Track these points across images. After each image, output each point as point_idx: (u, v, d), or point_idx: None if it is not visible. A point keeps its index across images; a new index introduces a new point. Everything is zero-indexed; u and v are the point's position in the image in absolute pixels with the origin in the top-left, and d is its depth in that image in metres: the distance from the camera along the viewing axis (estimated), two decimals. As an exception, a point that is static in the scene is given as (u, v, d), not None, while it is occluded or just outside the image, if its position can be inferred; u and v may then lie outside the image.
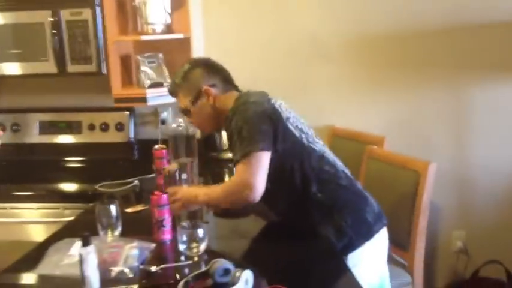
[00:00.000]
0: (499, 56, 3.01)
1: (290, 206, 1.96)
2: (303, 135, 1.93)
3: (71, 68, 2.82)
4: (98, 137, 3.16)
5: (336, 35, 3.12)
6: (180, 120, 2.39)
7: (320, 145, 1.98)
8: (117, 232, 1.91)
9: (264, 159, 1.81)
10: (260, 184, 1.79)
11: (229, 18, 3.18)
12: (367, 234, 1.93)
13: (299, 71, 3.17)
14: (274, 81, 3.16)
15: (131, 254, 1.72)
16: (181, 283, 1.51)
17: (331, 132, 3.11)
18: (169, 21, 2.94)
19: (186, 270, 1.67)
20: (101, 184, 2.63)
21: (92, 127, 3.16)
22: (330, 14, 3.10)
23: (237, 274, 1.51)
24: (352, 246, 1.90)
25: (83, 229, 1.61)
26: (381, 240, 1.97)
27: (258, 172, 1.79)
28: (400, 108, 3.13)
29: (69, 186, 2.87)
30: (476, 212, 3.15)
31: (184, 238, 1.77)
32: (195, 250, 1.76)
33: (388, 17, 3.05)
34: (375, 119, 3.13)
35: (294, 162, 1.89)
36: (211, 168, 3.00)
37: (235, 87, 2.08)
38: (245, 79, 3.16)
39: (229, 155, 3.02)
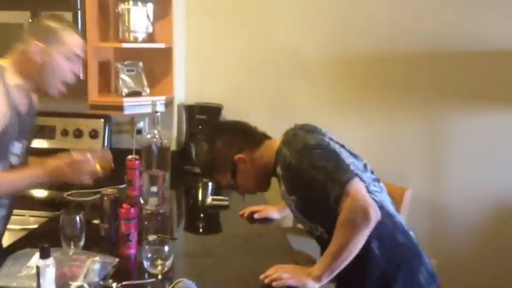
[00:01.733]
0: (477, 84, 3.03)
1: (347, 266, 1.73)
2: (359, 173, 1.79)
3: (48, 71, 2.75)
4: (71, 143, 3.08)
5: (317, 52, 3.12)
6: (155, 131, 2.33)
7: (379, 193, 1.83)
8: (80, 244, 1.85)
9: (362, 185, 1.70)
10: (373, 204, 1.66)
11: (212, 30, 3.16)
12: None
13: (278, 85, 3.16)
14: (254, 94, 3.14)
15: (93, 268, 1.65)
16: (141, 302, 1.46)
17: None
18: (151, 30, 2.90)
19: (148, 289, 1.62)
20: (70, 192, 2.57)
21: (65, 133, 3.08)
22: (313, 31, 3.10)
23: (200, 296, 1.46)
24: None
25: (45, 239, 1.55)
26: None
27: (365, 195, 1.68)
28: (376, 131, 3.12)
29: (37, 193, 2.78)
30: (449, 240, 3.14)
31: (149, 254, 1.72)
32: (159, 267, 1.71)
33: (369, 38, 3.06)
34: (351, 141, 3.09)
35: None
36: (184, 182, 2.95)
37: (263, 136, 1.99)
38: (225, 91, 3.18)
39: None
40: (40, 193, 2.76)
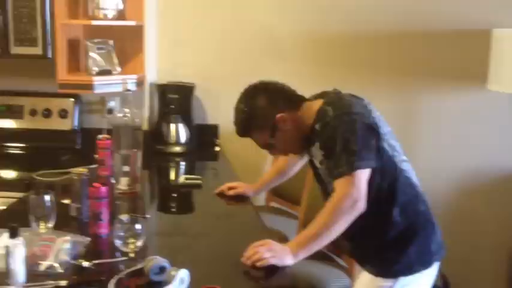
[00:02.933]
0: (445, 63, 3.08)
1: (365, 227, 1.77)
2: (396, 154, 1.84)
3: (15, 49, 2.70)
4: (40, 124, 3.03)
5: (289, 32, 3.12)
6: (127, 110, 2.30)
7: (406, 164, 1.88)
8: (50, 224, 1.83)
9: (368, 176, 1.73)
10: (364, 198, 1.70)
11: (184, 8, 3.12)
12: (426, 263, 1.88)
13: (251, 65, 3.14)
14: (226, 73, 3.13)
15: (63, 248, 1.63)
16: (114, 280, 1.45)
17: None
18: (121, 7, 2.85)
19: (121, 267, 1.60)
20: (40, 173, 2.53)
21: (33, 112, 3.02)
22: (285, 11, 3.10)
23: (173, 273, 1.46)
24: (409, 270, 1.84)
25: (14, 219, 1.53)
26: (433, 271, 1.92)
27: (363, 188, 1.70)
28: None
29: (6, 174, 2.73)
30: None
31: (121, 233, 1.70)
32: (131, 246, 1.69)
33: (340, 18, 3.07)
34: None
35: (383, 182, 1.79)
36: (157, 162, 2.94)
37: (303, 98, 1.95)
38: (198, 70, 3.15)
39: (177, 148, 3.00)
40: (8, 174, 2.73)
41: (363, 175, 1.72)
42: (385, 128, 1.86)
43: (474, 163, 3.16)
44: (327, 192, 1.89)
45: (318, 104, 1.88)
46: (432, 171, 3.15)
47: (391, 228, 1.83)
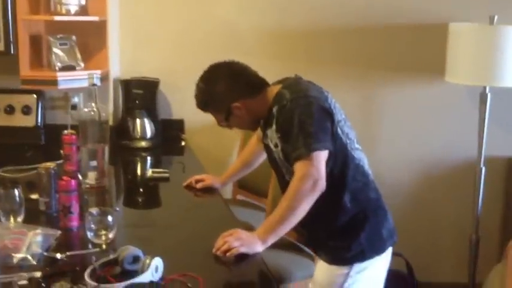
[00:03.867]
0: (404, 56, 3.17)
1: (316, 213, 1.80)
2: (348, 141, 1.88)
3: (-25, 45, 2.67)
4: (3, 120, 2.99)
5: (252, 27, 3.15)
6: (93, 104, 2.30)
7: (359, 152, 1.93)
8: (19, 218, 1.83)
9: (325, 157, 1.77)
10: (324, 178, 1.74)
11: (147, 3, 3.12)
12: (378, 249, 1.92)
13: (215, 60, 3.11)
14: (190, 69, 3.13)
15: (35, 240, 1.64)
16: (88, 270, 1.47)
17: (246, 125, 3.14)
18: (84, 2, 2.84)
19: (94, 258, 1.61)
20: (4, 169, 2.50)
21: (-5, 109, 2.99)
22: (248, 6, 3.13)
23: (147, 261, 1.48)
24: (362, 257, 1.89)
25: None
26: (387, 257, 1.97)
27: (322, 168, 1.75)
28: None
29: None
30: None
31: (92, 225, 1.72)
32: (103, 238, 1.72)
33: (302, 13, 3.12)
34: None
35: (334, 168, 1.83)
36: (123, 156, 2.94)
37: (265, 84, 1.98)
38: (161, 66, 3.16)
39: (142, 143, 3.00)
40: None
41: (321, 156, 1.77)
42: (340, 115, 1.90)
43: (434, 153, 3.26)
44: (282, 175, 1.94)
45: (277, 88, 1.94)
46: (394, 161, 3.26)
47: (342, 214, 1.88)
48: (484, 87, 2.92)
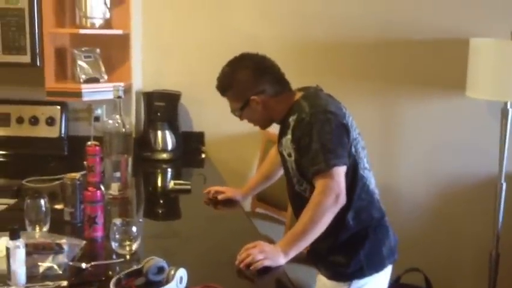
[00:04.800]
0: (425, 71, 3.17)
1: None
2: (359, 160, 1.90)
3: (3, 57, 2.72)
4: (27, 131, 3.04)
5: (273, 40, 3.17)
6: (117, 116, 2.34)
7: (368, 172, 1.95)
8: (45, 228, 1.86)
9: (344, 172, 1.80)
10: (344, 192, 1.77)
11: (169, 16, 3.17)
12: (378, 267, 1.93)
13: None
14: (212, 82, 3.16)
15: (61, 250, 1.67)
16: (114, 280, 1.49)
17: (265, 138, 3.15)
18: (108, 16, 2.89)
19: (118, 268, 1.64)
20: (28, 179, 2.54)
21: (20, 120, 3.03)
22: (269, 20, 3.16)
23: (171, 272, 1.50)
24: (361, 274, 1.90)
25: (8, 224, 1.55)
26: (386, 274, 1.98)
27: (342, 182, 1.78)
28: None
29: (-5, 180, 2.76)
30: (399, 221, 3.22)
31: (117, 236, 1.74)
32: (127, 248, 1.74)
33: (324, 27, 3.14)
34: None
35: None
36: (144, 168, 2.97)
37: (287, 86, 2.00)
38: (183, 79, 3.19)
39: (164, 155, 3.03)
40: (-2, 180, 2.74)
41: (340, 171, 1.79)
42: (355, 133, 1.92)
43: (454, 168, 3.24)
44: (292, 184, 1.96)
45: (296, 96, 1.96)
46: (414, 175, 3.24)
47: (344, 231, 1.90)
48: (505, 103, 2.91)
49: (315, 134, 1.80)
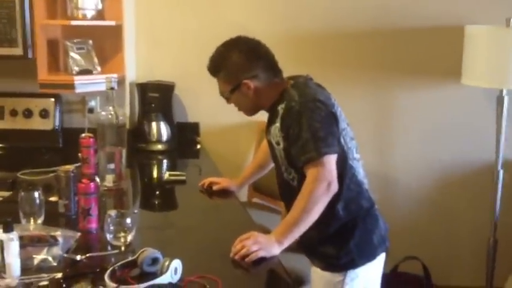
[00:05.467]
0: (419, 60, 3.16)
1: None
2: (348, 151, 1.90)
3: (-6, 50, 2.70)
4: (21, 124, 3.02)
5: (265, 31, 3.09)
6: (110, 108, 2.32)
7: (356, 162, 1.94)
8: (40, 220, 1.85)
9: (335, 160, 1.79)
10: (336, 180, 1.77)
11: (162, 7, 3.15)
12: (369, 256, 1.93)
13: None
14: (205, 72, 3.15)
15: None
16: (108, 272, 1.48)
17: (260, 129, 3.13)
18: (100, 7, 2.86)
19: (113, 260, 1.63)
20: (23, 172, 2.52)
21: (14, 113, 3.01)
22: (261, 10, 3.15)
23: (166, 263, 1.49)
24: (353, 264, 1.90)
25: (2, 217, 1.54)
26: (380, 262, 1.98)
27: (334, 170, 1.77)
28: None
29: (-11, 173, 2.74)
30: (397, 209, 3.27)
31: (112, 227, 1.73)
32: (122, 240, 1.73)
33: (316, 17, 3.13)
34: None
35: None
36: (139, 160, 2.95)
37: (279, 74, 1.98)
38: (176, 69, 3.18)
39: (158, 146, 3.02)
40: (-8, 173, 2.72)
41: (331, 159, 1.79)
42: (344, 124, 1.92)
43: (451, 156, 3.25)
44: (281, 172, 1.95)
45: (285, 85, 1.94)
46: (410, 164, 3.24)
47: (334, 222, 1.89)
48: (501, 90, 2.91)
49: (304, 123, 1.79)
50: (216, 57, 1.97)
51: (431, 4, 3.09)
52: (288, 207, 1.97)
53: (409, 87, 3.20)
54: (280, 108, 1.88)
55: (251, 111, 2.03)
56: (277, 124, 1.89)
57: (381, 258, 1.99)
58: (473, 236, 3.29)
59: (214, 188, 2.34)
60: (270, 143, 1.99)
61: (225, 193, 2.33)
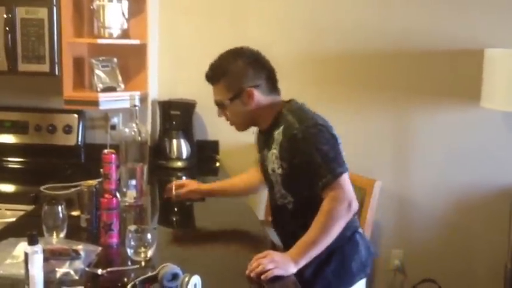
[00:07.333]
0: (440, 82, 3.16)
1: (293, 232, 1.88)
2: None
3: (22, 66, 2.77)
4: (45, 139, 3.09)
5: (288, 51, 3.19)
6: (133, 125, 2.37)
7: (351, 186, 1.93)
8: (62, 234, 1.89)
9: (349, 178, 1.81)
10: (355, 198, 1.78)
11: (185, 26, 3.21)
12: (347, 283, 1.93)
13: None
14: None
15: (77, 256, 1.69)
16: (129, 286, 1.51)
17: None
18: (126, 26, 2.93)
19: (133, 275, 1.66)
20: (46, 186, 2.58)
21: (38, 128, 3.08)
22: (284, 31, 3.18)
23: (186, 279, 1.52)
24: None
25: (26, 230, 1.58)
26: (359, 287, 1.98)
27: (351, 189, 1.79)
28: (346, 126, 3.19)
29: (12, 187, 2.80)
30: (414, 231, 3.26)
31: (132, 242, 1.77)
32: (142, 255, 1.76)
33: (338, 38, 3.16)
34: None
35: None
36: (159, 176, 2.99)
37: (278, 91, 1.97)
38: (198, 88, 3.19)
39: (178, 163, 3.06)
40: (14, 188, 2.78)
41: (346, 178, 1.80)
42: (340, 146, 1.92)
43: (469, 179, 3.22)
44: (274, 198, 1.96)
45: (279, 105, 1.93)
46: (428, 187, 3.23)
47: None
48: (521, 113, 2.91)
49: (312, 148, 1.79)
50: (219, 64, 1.94)
51: (452, 27, 3.11)
52: (281, 235, 2.00)
53: (429, 110, 3.20)
54: (277, 134, 1.86)
55: (244, 125, 1.99)
56: (274, 151, 1.87)
57: (360, 285, 1.98)
58: (490, 260, 3.26)
59: (182, 191, 2.31)
60: (264, 169, 1.97)
61: (241, 210, 2.36)
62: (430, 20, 3.11)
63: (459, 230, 3.28)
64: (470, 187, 3.24)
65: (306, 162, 1.80)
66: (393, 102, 3.20)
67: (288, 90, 3.16)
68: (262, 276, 1.67)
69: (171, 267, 1.56)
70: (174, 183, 2.37)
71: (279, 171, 1.88)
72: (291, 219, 1.94)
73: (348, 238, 1.94)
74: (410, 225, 3.26)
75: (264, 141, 1.94)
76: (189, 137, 3.11)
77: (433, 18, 3.11)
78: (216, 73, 1.94)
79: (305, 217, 1.85)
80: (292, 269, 1.73)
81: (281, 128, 1.86)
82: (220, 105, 1.96)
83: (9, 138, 3.11)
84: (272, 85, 1.95)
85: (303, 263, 1.76)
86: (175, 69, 3.25)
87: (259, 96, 1.90)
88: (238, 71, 1.90)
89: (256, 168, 2.24)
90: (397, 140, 3.23)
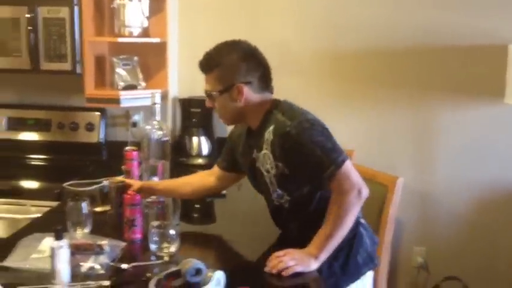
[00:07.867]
0: (462, 78, 3.11)
1: (298, 230, 1.89)
2: None
3: (45, 65, 2.82)
4: (67, 136, 3.13)
5: (307, 48, 3.18)
6: (155, 122, 2.38)
7: None
8: (86, 230, 1.91)
9: (351, 164, 1.79)
10: (363, 183, 1.77)
11: (204, 24, 3.21)
12: (353, 276, 1.92)
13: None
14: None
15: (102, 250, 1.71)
16: (154, 281, 1.52)
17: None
18: (146, 24, 2.95)
19: (157, 269, 1.67)
20: (69, 183, 2.60)
21: (61, 126, 3.12)
22: (303, 28, 3.17)
23: (209, 274, 1.53)
24: (337, 285, 1.88)
25: (51, 226, 1.60)
26: (366, 282, 1.97)
27: (357, 175, 1.78)
28: (368, 124, 3.20)
29: (35, 184, 2.84)
30: (437, 228, 3.23)
31: (156, 238, 1.78)
32: (165, 250, 1.78)
33: (358, 35, 3.13)
34: (344, 132, 3.16)
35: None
36: (179, 173, 3.00)
37: (270, 89, 1.92)
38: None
39: (199, 160, 3.08)
40: (38, 184, 2.82)
41: (349, 165, 1.77)
42: None
43: (492, 176, 3.18)
44: (271, 199, 1.93)
45: (268, 104, 1.88)
46: (451, 183, 3.19)
47: None
48: (545, 109, 2.86)
49: (308, 143, 1.76)
50: (213, 54, 1.90)
51: (474, 23, 3.06)
52: (283, 229, 1.99)
53: (451, 106, 3.16)
54: (268, 133, 1.82)
55: (232, 119, 1.96)
56: (266, 151, 1.84)
57: (368, 277, 1.97)
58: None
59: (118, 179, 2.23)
60: (256, 171, 1.92)
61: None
62: (450, 15, 3.07)
63: (482, 227, 3.24)
64: (493, 184, 3.20)
65: (305, 155, 1.77)
66: (415, 99, 3.16)
67: (305, 86, 3.20)
68: (283, 273, 1.67)
69: (194, 263, 1.57)
70: (117, 178, 2.26)
71: (273, 171, 1.85)
72: (289, 218, 1.93)
73: (352, 232, 1.90)
74: (433, 222, 3.24)
75: (254, 141, 1.90)
76: (209, 134, 3.13)
77: (453, 13, 3.07)
78: (209, 63, 1.90)
79: (302, 213, 1.87)
80: (314, 265, 1.73)
81: (271, 127, 1.83)
82: (209, 95, 1.92)
83: (32, 136, 3.15)
84: (265, 83, 1.90)
85: (323, 257, 1.75)
86: (195, 67, 3.18)
87: (249, 94, 1.85)
88: (232, 65, 1.85)
89: (210, 171, 2.24)
90: (418, 136, 3.21)
